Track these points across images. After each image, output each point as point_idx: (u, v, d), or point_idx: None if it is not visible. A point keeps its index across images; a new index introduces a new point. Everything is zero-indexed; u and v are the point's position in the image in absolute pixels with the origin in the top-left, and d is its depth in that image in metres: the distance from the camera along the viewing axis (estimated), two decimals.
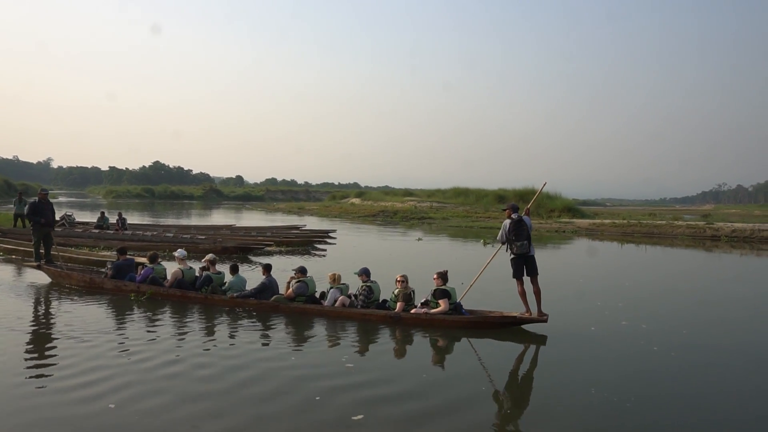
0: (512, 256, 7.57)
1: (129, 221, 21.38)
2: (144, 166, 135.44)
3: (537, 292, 7.45)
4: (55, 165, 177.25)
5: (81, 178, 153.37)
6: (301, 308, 8.17)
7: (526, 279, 7.55)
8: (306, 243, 18.81)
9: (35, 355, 6.23)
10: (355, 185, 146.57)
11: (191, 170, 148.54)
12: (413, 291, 8.01)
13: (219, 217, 38.13)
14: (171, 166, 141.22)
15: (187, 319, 7.84)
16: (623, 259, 18.59)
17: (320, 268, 11.31)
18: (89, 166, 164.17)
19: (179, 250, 9.81)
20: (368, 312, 7.87)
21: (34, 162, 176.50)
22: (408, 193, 55.38)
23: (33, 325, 7.44)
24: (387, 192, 63.07)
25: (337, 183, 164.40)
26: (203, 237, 17.53)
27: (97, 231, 18.77)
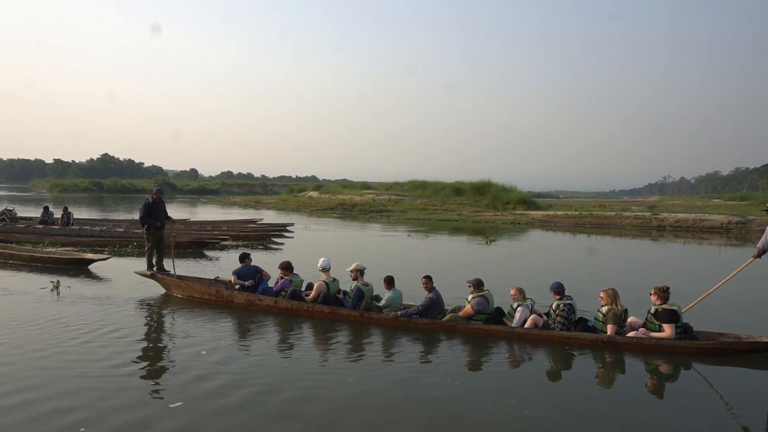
0: None
1: (76, 216, 20.51)
2: (92, 159, 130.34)
3: None
4: None
5: (23, 171, 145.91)
6: (485, 330, 6.87)
7: None
8: (263, 237, 18.62)
9: (154, 389, 5.09)
10: (313, 178, 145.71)
11: (143, 163, 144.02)
12: (626, 310, 6.61)
13: (173, 212, 36.61)
14: (121, 158, 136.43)
15: (335, 341, 6.68)
16: (629, 253, 19.15)
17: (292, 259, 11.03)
18: (32, 159, 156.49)
19: (322, 259, 7.99)
20: (573, 335, 6.53)
21: None
22: (366, 186, 55.43)
23: (148, 348, 6.32)
24: (345, 185, 62.92)
25: (294, 176, 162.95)
26: None
27: (41, 226, 17.90)
